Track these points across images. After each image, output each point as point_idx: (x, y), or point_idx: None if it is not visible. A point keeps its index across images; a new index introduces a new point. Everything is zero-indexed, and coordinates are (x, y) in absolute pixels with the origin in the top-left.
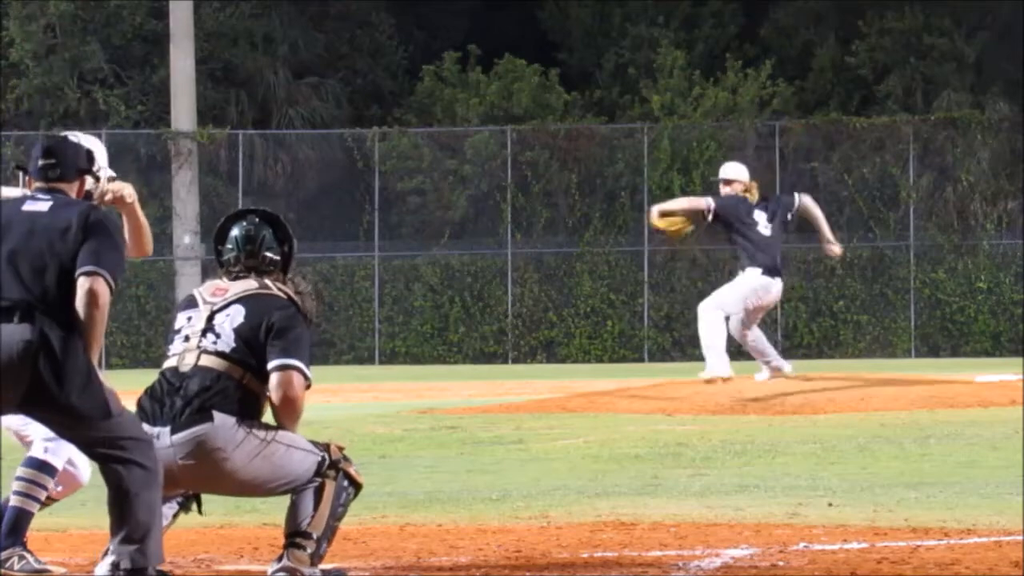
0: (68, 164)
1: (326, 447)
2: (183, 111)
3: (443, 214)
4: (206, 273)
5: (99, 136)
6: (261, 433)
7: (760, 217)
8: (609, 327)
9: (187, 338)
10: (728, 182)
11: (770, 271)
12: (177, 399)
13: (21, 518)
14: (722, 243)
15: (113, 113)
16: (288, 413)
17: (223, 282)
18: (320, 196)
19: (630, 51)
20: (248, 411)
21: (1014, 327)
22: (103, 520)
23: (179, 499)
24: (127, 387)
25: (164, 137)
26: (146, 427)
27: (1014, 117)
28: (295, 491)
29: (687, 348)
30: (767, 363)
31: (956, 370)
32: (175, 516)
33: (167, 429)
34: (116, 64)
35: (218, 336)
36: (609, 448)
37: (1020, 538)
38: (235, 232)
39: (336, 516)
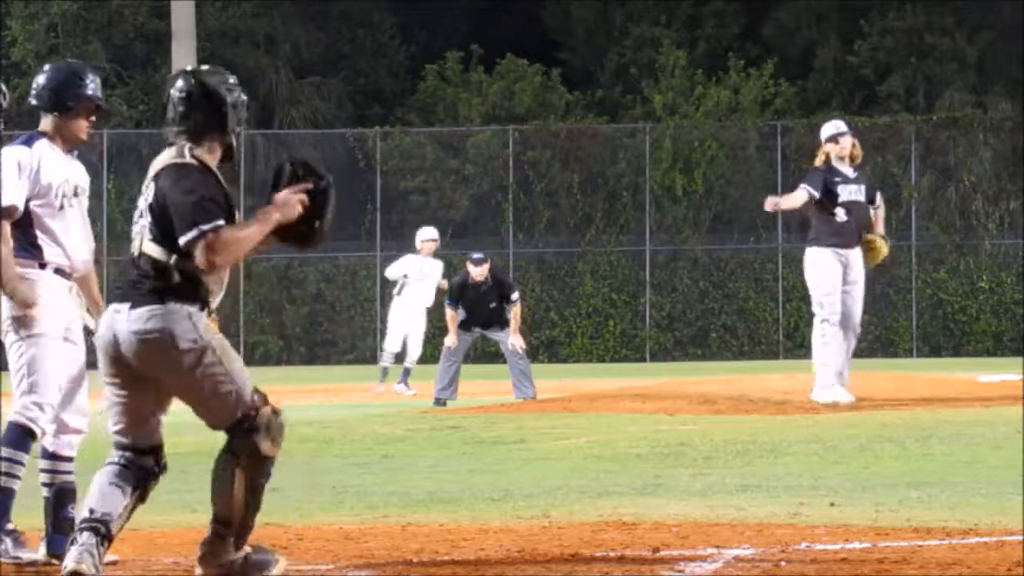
0: None
1: (263, 398)
2: None
3: (445, 214)
4: None
5: (101, 136)
6: (211, 341)
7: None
8: (611, 327)
9: (139, 216)
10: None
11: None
12: (132, 283)
13: (3, 499)
14: (724, 243)
15: (115, 113)
16: (219, 268)
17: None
18: None
19: (632, 51)
20: (184, 294)
21: (1015, 327)
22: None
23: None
24: None
25: (166, 137)
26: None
27: (1016, 117)
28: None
29: (689, 348)
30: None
31: (958, 370)
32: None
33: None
34: (118, 64)
35: (141, 216)
36: (611, 448)
37: (1022, 538)
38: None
39: (258, 489)
